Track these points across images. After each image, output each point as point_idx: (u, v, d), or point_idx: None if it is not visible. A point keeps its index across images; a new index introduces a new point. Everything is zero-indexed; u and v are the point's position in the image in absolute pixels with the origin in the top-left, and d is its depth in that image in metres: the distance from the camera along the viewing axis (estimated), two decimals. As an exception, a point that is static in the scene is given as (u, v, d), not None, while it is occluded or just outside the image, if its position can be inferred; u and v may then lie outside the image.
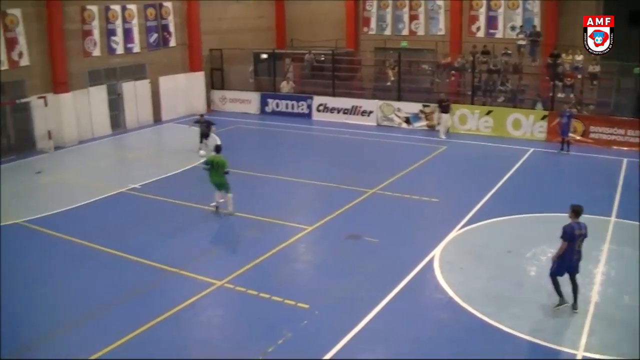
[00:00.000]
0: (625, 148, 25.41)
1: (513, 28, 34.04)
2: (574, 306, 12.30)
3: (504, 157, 24.38)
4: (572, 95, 28.89)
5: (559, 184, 20.96)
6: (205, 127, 25.06)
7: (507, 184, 20.78)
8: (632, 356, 10.68)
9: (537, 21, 33.25)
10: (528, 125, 27.74)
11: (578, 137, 26.42)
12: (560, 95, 28.94)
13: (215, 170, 17.80)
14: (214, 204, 18.37)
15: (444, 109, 28.18)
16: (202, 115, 26.28)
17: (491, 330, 11.61)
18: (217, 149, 18.69)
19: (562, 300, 12.35)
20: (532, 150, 25.49)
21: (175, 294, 13.17)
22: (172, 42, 33.66)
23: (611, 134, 26.22)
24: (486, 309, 12.28)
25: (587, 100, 29.08)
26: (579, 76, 29.57)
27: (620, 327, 11.71)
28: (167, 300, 12.80)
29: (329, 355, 10.73)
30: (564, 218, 12.44)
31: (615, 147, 25.68)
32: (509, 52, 32.31)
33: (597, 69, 29.23)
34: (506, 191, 20.06)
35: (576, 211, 12.21)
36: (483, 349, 11.12)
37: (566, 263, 12.18)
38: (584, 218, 12.42)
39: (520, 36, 33.15)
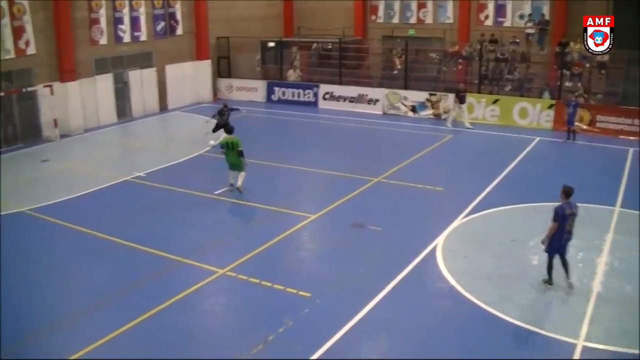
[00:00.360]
0: (632, 137, 25.24)
1: (522, 16, 33.88)
2: (570, 285, 12.57)
3: (509, 146, 24.31)
4: (579, 84, 28.73)
5: (564, 173, 20.71)
6: (227, 118, 24.23)
7: (512, 173, 20.72)
8: (634, 347, 10.65)
9: (546, 10, 33.08)
10: (535, 114, 27.61)
11: (584, 127, 26.29)
12: (568, 84, 28.80)
13: (232, 150, 18.39)
14: (227, 188, 18.91)
15: (461, 99, 27.98)
16: (225, 105, 25.62)
17: (493, 320, 11.59)
18: (230, 130, 19.57)
19: (549, 281, 12.72)
20: (538, 139, 25.38)
21: (177, 282, 13.20)
22: (180, 31, 33.62)
23: (618, 123, 26.08)
24: (489, 298, 12.26)
25: (595, 89, 28.91)
26: (587, 65, 29.43)
27: (623, 317, 11.67)
28: (170, 289, 12.83)
29: (330, 343, 10.73)
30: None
31: (622, 137, 25.54)
32: (517, 40, 32.15)
33: (606, 57, 29.04)
34: (511, 180, 20.01)
35: (567, 192, 12.39)
36: (485, 338, 11.11)
37: (556, 243, 12.38)
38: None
39: (529, 25, 33.01)
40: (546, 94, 28.63)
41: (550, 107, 27.32)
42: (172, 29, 33.16)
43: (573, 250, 13.53)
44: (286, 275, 13.58)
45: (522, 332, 11.20)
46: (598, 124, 26.48)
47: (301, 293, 12.58)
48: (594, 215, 16.31)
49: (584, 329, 11.19)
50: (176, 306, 12.22)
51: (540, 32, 32.52)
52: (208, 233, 16.21)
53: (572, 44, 30.07)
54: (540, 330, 11.19)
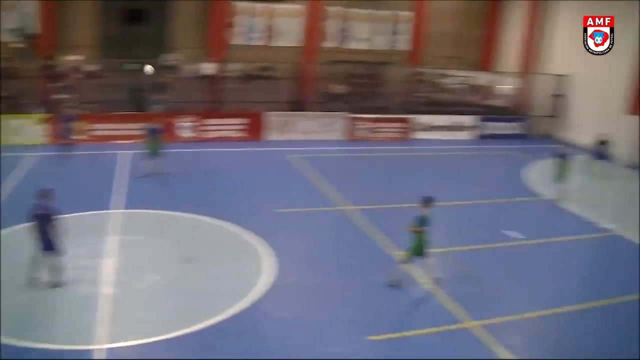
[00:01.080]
0: (125, 141, 27.34)
1: (10, 30, 33.02)
2: (52, 284, 13.47)
3: (3, 166, 22.79)
4: (72, 96, 29.51)
5: (60, 186, 18.94)
6: None
7: (11, 195, 19.97)
8: (155, 335, 11.90)
9: (34, 22, 32.74)
10: (29, 130, 27.44)
11: (79, 137, 26.91)
12: (60, 96, 29.35)
13: None
14: None
15: None
16: None
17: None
18: None
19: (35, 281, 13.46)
20: (34, 155, 25.23)
21: None
22: None
23: (111, 129, 27.96)
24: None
25: (89, 99, 30.09)
26: (78, 76, 30.42)
27: (141, 310, 12.96)
28: None
29: None
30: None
31: (116, 142, 27.34)
32: (8, 56, 31.35)
33: (96, 67, 30.55)
34: (10, 202, 19.09)
35: (43, 195, 13.57)
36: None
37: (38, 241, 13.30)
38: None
39: (18, 39, 32.51)
40: (39, 109, 28.60)
41: (44, 121, 27.54)
42: None
43: (86, 260, 14.65)
44: None
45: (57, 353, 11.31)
46: (93, 133, 27.78)
47: None
48: (93, 220, 17.45)
49: (107, 331, 12.01)
50: None
51: (29, 46, 32.29)
52: None
53: (62, 56, 30.78)
54: (58, 345, 11.47)
